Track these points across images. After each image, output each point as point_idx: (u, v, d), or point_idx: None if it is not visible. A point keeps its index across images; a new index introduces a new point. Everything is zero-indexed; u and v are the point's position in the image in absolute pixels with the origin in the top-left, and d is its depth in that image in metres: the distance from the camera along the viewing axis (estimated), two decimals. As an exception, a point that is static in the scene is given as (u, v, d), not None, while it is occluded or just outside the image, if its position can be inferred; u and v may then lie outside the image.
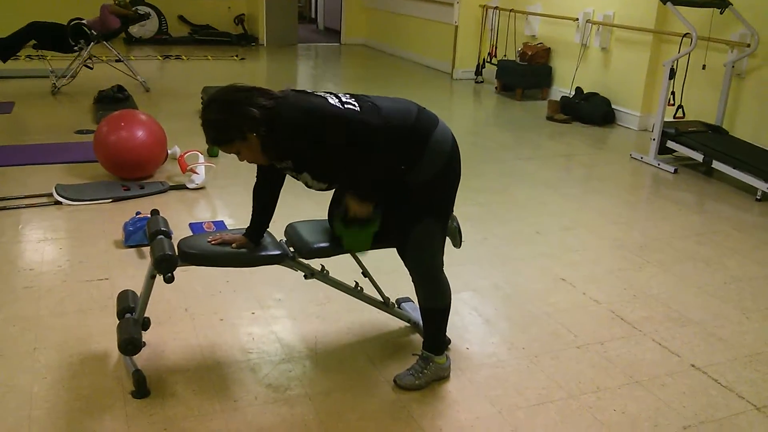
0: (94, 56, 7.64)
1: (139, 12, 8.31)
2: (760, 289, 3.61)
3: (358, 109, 2.34)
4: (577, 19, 7.72)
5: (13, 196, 4.40)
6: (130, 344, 2.52)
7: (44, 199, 4.38)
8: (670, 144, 5.72)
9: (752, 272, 3.81)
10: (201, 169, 4.77)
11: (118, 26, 7.82)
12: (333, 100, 2.34)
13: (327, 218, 2.77)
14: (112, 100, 6.84)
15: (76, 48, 7.42)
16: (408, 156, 2.39)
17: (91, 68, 7.64)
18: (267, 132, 2.29)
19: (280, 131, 2.29)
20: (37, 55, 7.64)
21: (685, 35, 5.79)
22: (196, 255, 2.58)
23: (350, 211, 2.42)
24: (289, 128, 2.28)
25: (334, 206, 2.72)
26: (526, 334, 3.08)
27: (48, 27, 7.41)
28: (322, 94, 2.39)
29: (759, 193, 4.98)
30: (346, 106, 2.33)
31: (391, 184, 2.44)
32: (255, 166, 2.59)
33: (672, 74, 5.64)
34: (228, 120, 2.28)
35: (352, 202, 2.40)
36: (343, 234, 2.49)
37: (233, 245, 2.62)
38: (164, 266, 2.47)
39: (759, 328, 3.22)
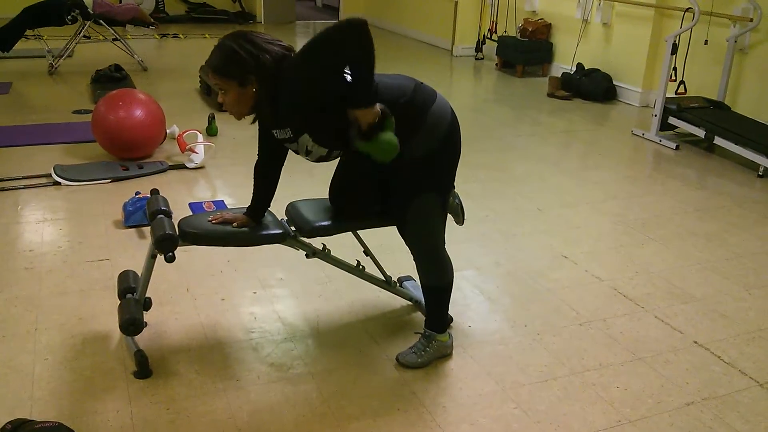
0: (89, 36, 7.57)
1: (152, 25, 8.22)
2: (762, 264, 3.60)
3: None
4: (578, -6, 7.65)
5: (11, 177, 4.38)
6: (131, 324, 2.51)
7: (43, 180, 4.36)
8: (672, 120, 5.69)
9: (754, 248, 3.80)
10: (200, 149, 4.74)
11: (125, 21, 7.77)
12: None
13: (328, 197, 2.75)
14: (110, 79, 6.79)
15: (69, 19, 7.32)
16: (404, 132, 2.35)
17: (89, 37, 7.57)
18: (268, 93, 2.27)
19: (284, 92, 2.26)
20: (33, 35, 7.58)
21: (687, 10, 5.73)
22: (197, 234, 2.56)
23: (363, 125, 2.29)
24: (294, 82, 2.25)
25: (335, 187, 2.70)
26: (529, 312, 3.07)
27: (41, 6, 7.34)
28: None
29: (761, 169, 4.96)
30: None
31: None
32: (256, 144, 2.57)
33: (674, 49, 5.59)
34: (241, 55, 2.23)
35: (360, 114, 2.27)
36: (368, 149, 2.33)
37: (234, 224, 2.61)
38: (165, 246, 2.45)
39: (761, 304, 3.22)
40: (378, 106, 2.27)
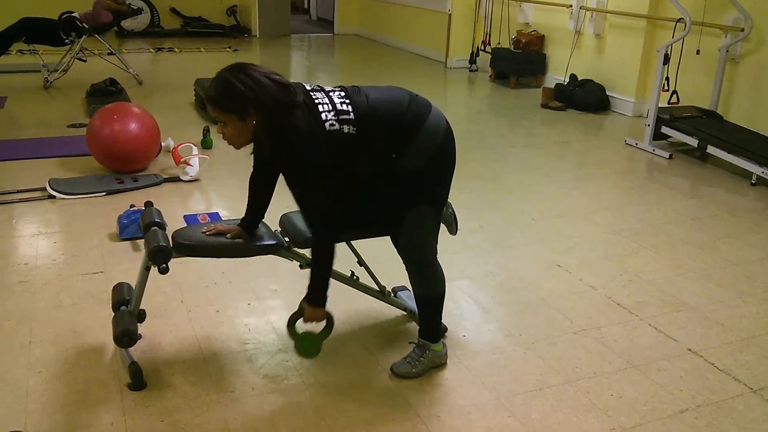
0: (86, 49, 7.61)
1: (132, 7, 8.28)
2: (755, 272, 3.62)
3: (346, 130, 2.31)
4: (571, 6, 7.70)
5: (6, 190, 4.38)
6: (125, 336, 2.51)
7: (38, 194, 4.37)
8: (665, 129, 5.72)
9: (747, 256, 3.81)
10: (195, 161, 4.75)
11: (110, 20, 7.80)
12: (329, 115, 2.30)
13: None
14: (105, 93, 6.80)
15: (67, 41, 7.39)
16: (399, 144, 2.38)
17: (85, 61, 7.60)
18: (267, 131, 2.28)
19: (281, 143, 2.29)
20: (29, 50, 7.60)
21: (678, 20, 5.78)
22: (191, 246, 2.57)
23: (305, 316, 2.50)
24: (290, 147, 2.28)
25: None
26: (523, 321, 3.08)
27: (39, 21, 7.37)
28: (321, 100, 2.33)
29: (754, 178, 4.98)
30: (341, 117, 2.30)
31: (384, 172, 2.43)
32: (251, 157, 2.58)
33: (666, 60, 5.63)
34: (240, 90, 2.22)
35: (308, 307, 2.48)
36: (295, 338, 2.55)
37: (228, 236, 2.61)
38: (159, 257, 2.46)
39: (755, 311, 3.23)
40: (326, 312, 2.48)
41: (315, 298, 2.47)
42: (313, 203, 2.35)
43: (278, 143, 2.30)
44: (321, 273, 2.44)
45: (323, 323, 2.55)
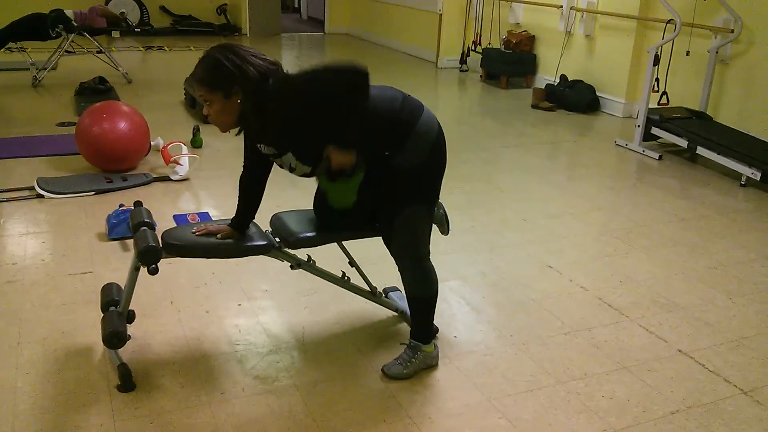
0: (75, 43, 7.56)
1: (128, 21, 8.26)
2: (744, 273, 3.63)
3: None
4: (561, 6, 7.71)
5: (-6, 189, 4.35)
6: (114, 337, 2.49)
7: (26, 193, 4.33)
8: (655, 130, 5.74)
9: (737, 256, 3.83)
10: (185, 161, 4.73)
11: (103, 26, 7.79)
12: None
13: (312, 208, 2.75)
14: (94, 91, 6.78)
15: (53, 34, 7.33)
16: (392, 143, 2.37)
17: (73, 52, 7.56)
18: (253, 106, 2.27)
19: (274, 112, 2.27)
20: (17, 48, 7.55)
21: (669, 21, 5.80)
22: (181, 246, 2.55)
23: (333, 163, 2.34)
24: (287, 107, 2.27)
25: (319, 198, 2.70)
26: (514, 322, 3.08)
27: (25, 20, 7.33)
28: None
29: (743, 179, 5.00)
30: None
31: (376, 172, 2.42)
32: (241, 156, 2.57)
33: (656, 61, 5.64)
34: (227, 67, 2.25)
35: (335, 152, 2.32)
36: (328, 188, 2.45)
37: (218, 236, 2.60)
38: (148, 257, 2.44)
39: (744, 312, 3.24)
40: (354, 155, 2.32)
41: (349, 141, 2.30)
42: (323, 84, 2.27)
43: (267, 120, 2.29)
44: (355, 115, 2.29)
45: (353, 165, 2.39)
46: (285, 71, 2.37)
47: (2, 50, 7.44)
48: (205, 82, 2.30)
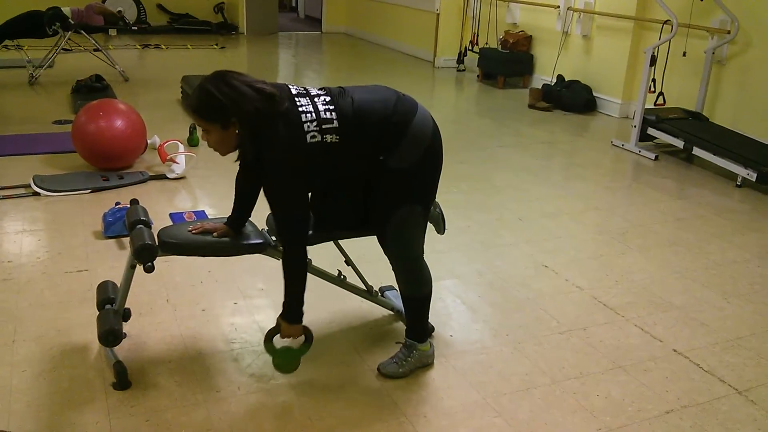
0: (72, 40, 7.55)
1: (125, 20, 8.25)
2: (740, 273, 3.64)
3: (329, 139, 2.31)
4: (558, 7, 7.72)
5: (-10, 187, 4.34)
6: (110, 335, 2.49)
7: (22, 191, 4.33)
8: (651, 131, 5.74)
9: (732, 257, 3.84)
10: (181, 159, 4.72)
11: (100, 24, 7.78)
12: (311, 126, 2.29)
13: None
14: (91, 89, 6.77)
15: (50, 32, 7.33)
16: (386, 145, 2.37)
17: (70, 50, 7.55)
18: (249, 138, 2.29)
19: (262, 149, 2.29)
20: (14, 45, 7.54)
21: (665, 22, 5.81)
22: (177, 244, 2.55)
23: (281, 334, 2.49)
24: (269, 155, 2.28)
25: (315, 197, 2.70)
26: (510, 321, 3.08)
27: (21, 18, 7.31)
28: (305, 108, 2.31)
29: (739, 179, 5.02)
30: (323, 127, 2.29)
31: (371, 172, 2.42)
32: (236, 155, 2.56)
33: (653, 61, 5.65)
34: (221, 101, 2.23)
35: (284, 326, 2.47)
36: (273, 354, 2.54)
37: (214, 234, 2.60)
38: (144, 256, 2.44)
39: (739, 312, 3.25)
40: (302, 328, 2.49)
41: (290, 315, 2.47)
42: (285, 212, 2.35)
43: (260, 150, 2.30)
44: (294, 288, 2.43)
45: (301, 339, 2.54)
46: (292, 92, 2.35)
47: (-2, 48, 7.44)
48: (200, 114, 2.29)
